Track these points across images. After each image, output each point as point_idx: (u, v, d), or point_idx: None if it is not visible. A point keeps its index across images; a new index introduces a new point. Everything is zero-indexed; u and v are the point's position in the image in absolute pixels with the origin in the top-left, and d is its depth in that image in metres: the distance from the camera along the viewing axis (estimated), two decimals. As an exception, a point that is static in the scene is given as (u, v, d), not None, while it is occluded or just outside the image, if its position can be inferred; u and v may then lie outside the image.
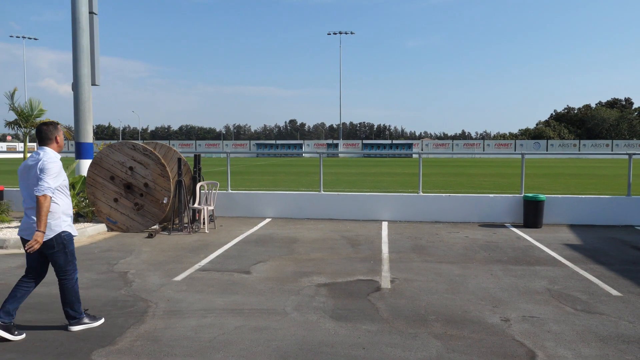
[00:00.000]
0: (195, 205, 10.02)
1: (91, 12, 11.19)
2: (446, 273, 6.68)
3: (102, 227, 9.58)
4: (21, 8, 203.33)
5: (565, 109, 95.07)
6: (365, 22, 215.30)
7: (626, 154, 11.05)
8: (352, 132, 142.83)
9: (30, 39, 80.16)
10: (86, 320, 4.71)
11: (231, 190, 11.78)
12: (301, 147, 71.10)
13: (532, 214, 10.20)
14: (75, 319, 4.66)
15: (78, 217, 9.87)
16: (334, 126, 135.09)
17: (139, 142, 9.87)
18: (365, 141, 76.04)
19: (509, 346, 4.31)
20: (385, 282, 6.22)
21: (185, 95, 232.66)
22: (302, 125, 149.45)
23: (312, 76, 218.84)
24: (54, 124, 4.67)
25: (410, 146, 69.54)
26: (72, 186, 10.17)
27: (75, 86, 10.88)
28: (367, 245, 8.46)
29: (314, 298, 5.59)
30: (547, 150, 64.56)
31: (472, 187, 19.47)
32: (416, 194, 11.23)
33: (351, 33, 74.32)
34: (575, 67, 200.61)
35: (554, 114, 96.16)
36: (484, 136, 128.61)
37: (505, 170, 31.43)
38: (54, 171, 4.40)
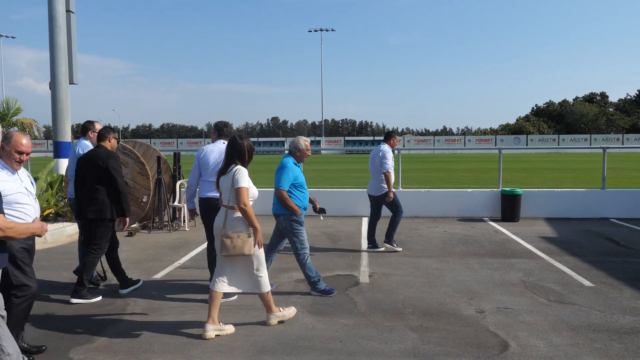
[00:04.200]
0: (176, 203, 10.00)
1: (68, 11, 11.06)
2: (424, 267, 6.78)
3: (81, 226, 9.51)
4: (1, 6, 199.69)
5: (545, 103, 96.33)
6: (346, 19, 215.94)
7: (600, 147, 11.29)
8: (334, 128, 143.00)
9: (7, 37, 78.69)
10: None
11: (212, 188, 11.74)
12: (283, 145, 70.92)
13: (509, 208, 10.37)
14: None
15: (57, 217, 9.78)
16: (317, 123, 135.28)
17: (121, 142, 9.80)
18: (347, 138, 76.12)
19: (482, 337, 4.41)
20: (363, 277, 6.30)
21: (166, 93, 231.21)
22: (285, 122, 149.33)
23: (294, 73, 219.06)
24: None
25: (392, 142, 69.71)
26: (50, 185, 10.09)
27: (53, 85, 10.76)
28: (347, 240, 8.53)
29: (292, 293, 5.64)
30: (527, 145, 65.38)
31: (453, 182, 19.69)
32: (396, 190, 11.32)
33: (332, 30, 74.64)
34: (554, 63, 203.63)
35: (535, 108, 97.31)
36: (465, 132, 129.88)
37: (486, 165, 31.79)
38: None
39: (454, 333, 4.49)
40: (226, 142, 5.19)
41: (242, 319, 4.86)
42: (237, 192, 4.38)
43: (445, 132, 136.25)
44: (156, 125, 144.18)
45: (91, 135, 6.01)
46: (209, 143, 5.62)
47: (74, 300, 5.31)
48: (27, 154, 3.72)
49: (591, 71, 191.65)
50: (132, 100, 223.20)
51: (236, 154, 4.51)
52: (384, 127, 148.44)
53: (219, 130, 5.74)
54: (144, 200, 9.42)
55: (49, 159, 11.21)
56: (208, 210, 5.38)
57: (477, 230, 9.43)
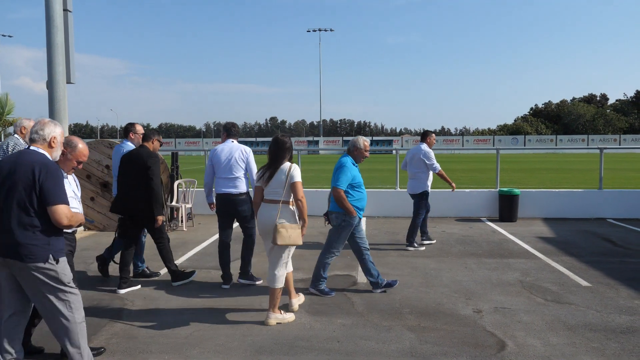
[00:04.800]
0: (173, 203, 9.99)
1: (65, 10, 11.03)
2: (422, 267, 6.78)
3: (78, 226, 9.49)
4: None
5: (544, 104, 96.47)
6: (345, 19, 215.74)
7: (597, 148, 11.31)
8: (332, 129, 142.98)
9: (5, 36, 78.43)
10: None
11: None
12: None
13: (507, 208, 10.39)
14: None
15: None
16: (315, 123, 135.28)
17: (115, 141, 9.79)
18: (345, 138, 76.07)
19: (480, 336, 4.41)
20: (361, 277, 6.29)
21: (164, 93, 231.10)
22: (283, 122, 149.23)
23: (292, 73, 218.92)
24: None
25: (390, 142, 69.90)
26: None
27: (50, 84, 10.73)
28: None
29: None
30: (525, 146, 65.47)
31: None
32: (394, 190, 11.35)
33: (330, 30, 74.53)
34: (553, 63, 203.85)
35: (533, 108, 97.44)
36: (463, 132, 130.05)
37: (483, 165, 31.82)
38: None
39: (451, 333, 4.50)
40: (234, 141, 5.93)
41: (239, 319, 4.86)
42: (294, 186, 4.70)
43: (443, 132, 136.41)
44: (154, 125, 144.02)
45: (132, 137, 6.29)
46: (207, 143, 5.90)
47: (122, 291, 5.67)
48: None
49: (590, 72, 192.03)
50: (130, 99, 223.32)
51: (287, 152, 4.82)
52: (382, 127, 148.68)
53: (228, 130, 6.03)
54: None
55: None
56: (224, 204, 5.83)
57: (475, 230, 9.44)
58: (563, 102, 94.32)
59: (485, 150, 60.67)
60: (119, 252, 6.00)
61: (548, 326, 4.65)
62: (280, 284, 4.76)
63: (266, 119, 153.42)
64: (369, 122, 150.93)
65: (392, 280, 5.86)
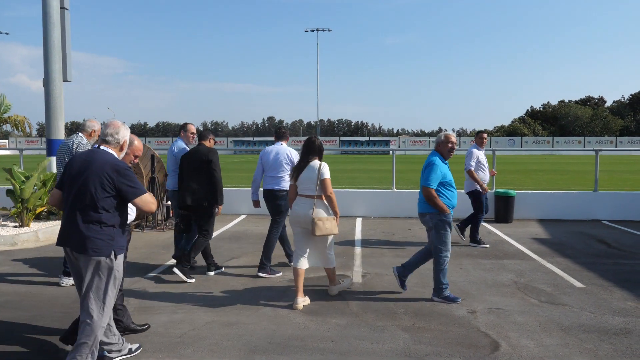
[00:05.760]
0: (169, 202, 9.96)
1: (62, 8, 11.02)
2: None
3: (74, 224, 9.46)
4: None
5: (542, 105, 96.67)
6: (343, 20, 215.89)
7: (593, 150, 11.36)
8: (330, 129, 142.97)
9: (1, 33, 78.09)
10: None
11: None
12: (279, 144, 70.94)
13: (502, 209, 10.41)
14: None
15: (49, 216, 9.74)
16: (312, 123, 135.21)
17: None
18: (343, 138, 76.19)
19: (474, 337, 4.43)
20: (356, 277, 6.31)
21: (161, 91, 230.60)
22: (280, 122, 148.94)
23: (290, 73, 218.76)
24: None
25: (387, 143, 69.89)
26: (43, 184, 10.04)
27: (47, 82, 10.72)
28: (341, 241, 8.54)
29: (285, 293, 5.65)
30: (521, 147, 65.59)
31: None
32: (390, 190, 11.36)
33: (328, 30, 74.26)
34: (550, 65, 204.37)
35: (529, 110, 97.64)
36: (460, 133, 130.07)
37: (480, 166, 31.79)
38: None
39: (445, 333, 4.52)
40: (283, 144, 6.55)
41: (234, 318, 4.86)
42: (324, 182, 5.23)
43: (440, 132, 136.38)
44: (151, 123, 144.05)
45: (182, 135, 6.95)
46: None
47: (176, 270, 6.07)
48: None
49: (587, 74, 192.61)
50: (127, 98, 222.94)
51: (317, 151, 5.40)
52: (379, 127, 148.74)
53: (277, 134, 6.72)
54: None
55: (42, 156, 11.18)
56: (270, 199, 6.46)
57: (470, 231, 9.44)
58: (560, 103, 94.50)
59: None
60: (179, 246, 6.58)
61: (542, 327, 4.67)
62: (333, 263, 5.47)
63: (263, 119, 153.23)
64: (367, 123, 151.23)
65: (454, 296, 5.46)
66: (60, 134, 10.86)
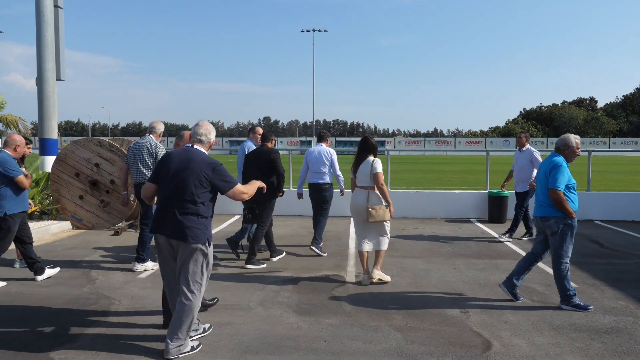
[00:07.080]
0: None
1: (56, 6, 11.00)
2: (410, 267, 6.81)
3: (66, 224, 9.44)
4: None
5: (538, 106, 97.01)
6: (339, 20, 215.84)
7: (585, 150, 11.41)
8: (325, 129, 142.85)
9: (-5, 32, 77.75)
10: None
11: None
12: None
13: (496, 210, 10.45)
14: None
15: (42, 215, 9.70)
16: (308, 123, 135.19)
17: (105, 139, 9.74)
18: (338, 138, 76.26)
19: (466, 336, 4.44)
20: (350, 277, 6.31)
21: (157, 91, 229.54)
22: (276, 122, 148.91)
23: (286, 73, 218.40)
24: None
25: (383, 143, 70.00)
26: (36, 183, 10.00)
27: (40, 81, 10.69)
28: (334, 241, 8.55)
29: (278, 293, 5.65)
30: (515, 148, 65.72)
31: (442, 183, 19.78)
32: (384, 191, 11.35)
33: (324, 31, 74.23)
34: (544, 66, 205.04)
35: (523, 111, 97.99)
36: (455, 134, 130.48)
37: (474, 167, 31.97)
38: None
39: (438, 333, 4.52)
40: (323, 145, 7.72)
41: (226, 318, 4.86)
42: (377, 176, 5.90)
43: (435, 133, 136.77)
44: (147, 123, 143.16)
45: (251, 136, 7.85)
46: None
47: (248, 266, 6.74)
48: None
49: (580, 75, 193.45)
50: (122, 98, 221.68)
51: (372, 149, 6.10)
52: (375, 128, 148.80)
53: (319, 136, 7.90)
54: (130, 198, 9.36)
55: (35, 156, 11.12)
56: (312, 190, 7.65)
57: (464, 231, 9.49)
58: (554, 105, 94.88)
59: (477, 152, 61.03)
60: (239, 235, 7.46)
61: (533, 326, 4.68)
62: (385, 246, 6.08)
63: (259, 119, 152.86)
64: (362, 123, 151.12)
65: (585, 304, 5.23)
66: (53, 133, 10.81)
